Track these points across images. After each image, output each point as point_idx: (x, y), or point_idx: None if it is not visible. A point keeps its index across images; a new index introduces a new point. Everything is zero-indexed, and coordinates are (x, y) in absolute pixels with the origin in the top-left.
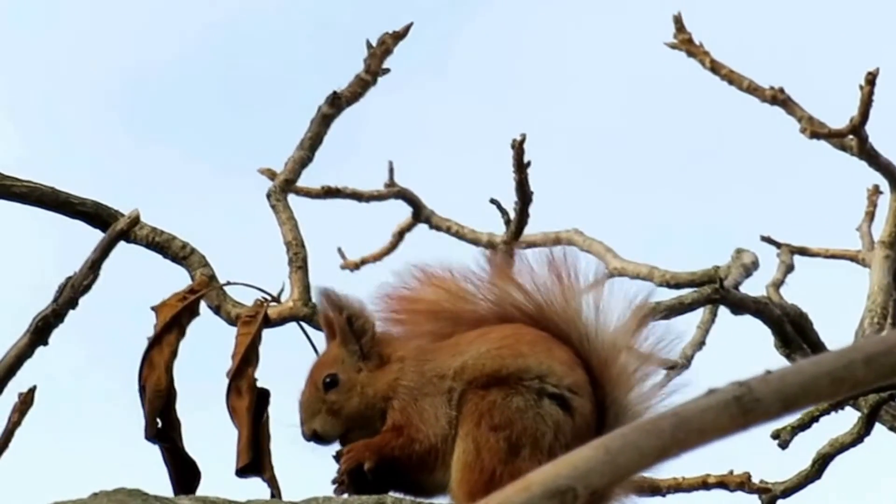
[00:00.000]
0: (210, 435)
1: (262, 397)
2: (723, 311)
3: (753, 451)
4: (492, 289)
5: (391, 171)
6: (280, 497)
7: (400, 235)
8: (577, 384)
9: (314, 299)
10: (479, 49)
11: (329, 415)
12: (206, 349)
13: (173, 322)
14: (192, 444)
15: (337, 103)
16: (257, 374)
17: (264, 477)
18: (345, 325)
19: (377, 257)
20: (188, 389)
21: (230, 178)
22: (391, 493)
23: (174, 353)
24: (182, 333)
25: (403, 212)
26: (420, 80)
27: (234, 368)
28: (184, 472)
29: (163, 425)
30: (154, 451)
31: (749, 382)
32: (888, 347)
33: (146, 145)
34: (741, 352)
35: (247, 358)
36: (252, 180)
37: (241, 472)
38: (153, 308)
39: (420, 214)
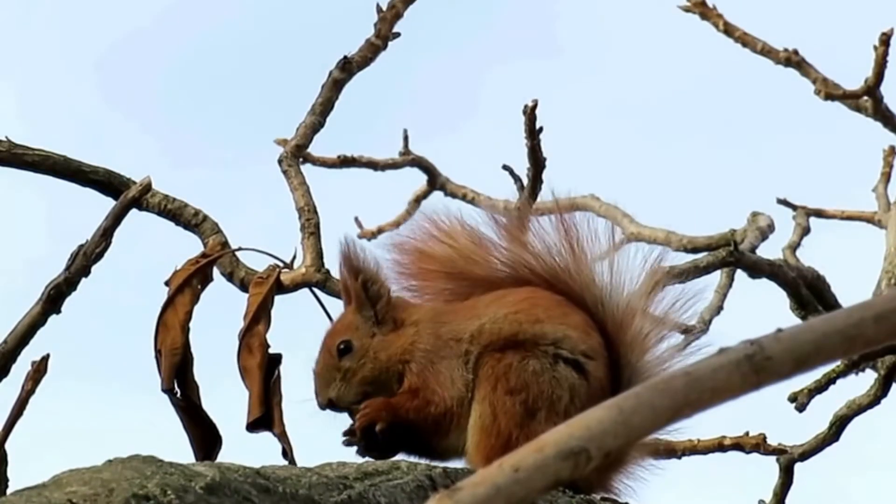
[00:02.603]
0: (226, 407)
1: (273, 360)
2: (740, 275)
3: (770, 415)
4: (505, 253)
5: (406, 139)
6: (291, 452)
7: (416, 203)
8: (592, 349)
9: (331, 261)
10: (482, 16)
11: (343, 381)
12: (220, 316)
13: (185, 284)
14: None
15: (348, 68)
16: (269, 338)
17: (275, 432)
18: (360, 291)
19: (394, 226)
20: (204, 357)
21: (243, 145)
22: (404, 458)
23: (189, 315)
24: (196, 296)
25: (419, 180)
26: (433, 46)
27: (244, 327)
28: (204, 437)
29: (181, 386)
30: (169, 418)
31: (760, 341)
32: None
33: (157, 115)
34: (758, 316)
35: (257, 316)
36: (265, 147)
37: (252, 426)
38: (166, 283)
39: (435, 182)
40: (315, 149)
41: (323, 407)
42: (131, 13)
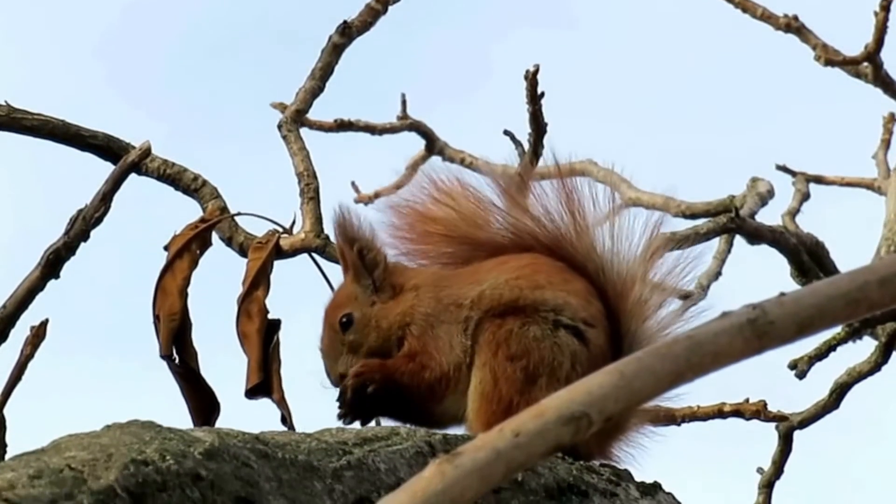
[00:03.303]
0: (224, 373)
1: (272, 326)
2: (739, 241)
3: (770, 383)
4: (507, 217)
5: (403, 103)
6: (290, 419)
7: (413, 168)
8: (593, 316)
9: (329, 227)
10: None
11: (350, 354)
12: (219, 282)
13: (184, 248)
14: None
15: (347, 32)
16: (268, 303)
17: (274, 398)
18: (356, 260)
19: (391, 190)
20: (203, 323)
21: (242, 110)
22: (403, 425)
23: (187, 280)
24: (194, 261)
25: (416, 144)
26: (443, 14)
27: (243, 292)
28: (202, 403)
29: (179, 352)
30: (167, 384)
31: (763, 305)
32: None
33: (158, 79)
34: (758, 282)
35: (256, 281)
36: (264, 112)
37: (251, 392)
38: (165, 247)
39: (433, 146)
40: (316, 114)
41: (336, 384)
42: None
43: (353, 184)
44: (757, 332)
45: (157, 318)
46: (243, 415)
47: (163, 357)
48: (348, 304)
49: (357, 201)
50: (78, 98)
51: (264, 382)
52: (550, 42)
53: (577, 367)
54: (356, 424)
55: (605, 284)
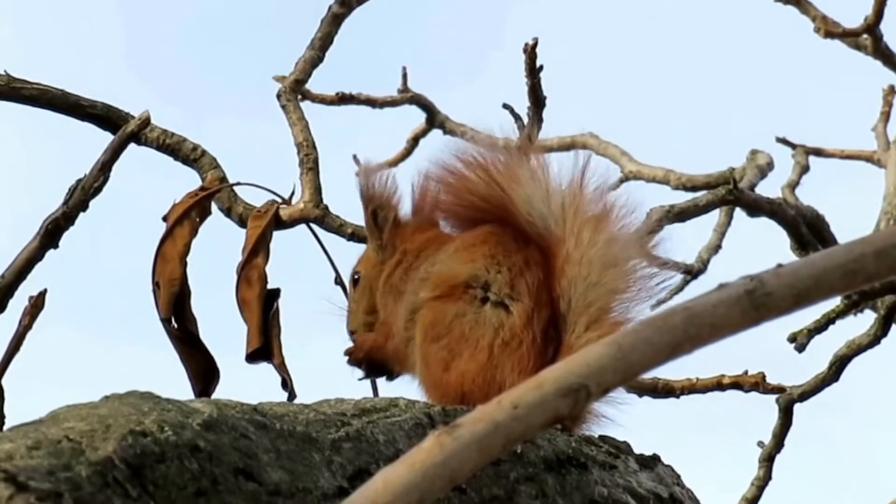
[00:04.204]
0: (222, 343)
1: (271, 295)
2: (739, 215)
3: (769, 356)
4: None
5: (404, 76)
6: (291, 383)
7: (414, 141)
8: (519, 291)
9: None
10: None
11: (356, 312)
12: (218, 253)
13: (184, 216)
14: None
15: (347, 2)
16: (268, 271)
17: (274, 363)
18: (370, 221)
19: (392, 164)
20: (201, 294)
21: (242, 81)
22: (402, 396)
23: (187, 247)
24: (194, 229)
25: (417, 117)
26: None
27: (243, 260)
28: (202, 369)
29: (179, 319)
30: (166, 354)
31: (760, 276)
32: None
33: (158, 50)
34: (758, 256)
35: (256, 249)
36: (263, 83)
37: (251, 357)
38: (164, 218)
39: (434, 120)
40: (317, 86)
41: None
42: None
43: (354, 157)
44: (754, 303)
45: (156, 284)
46: (242, 385)
47: (163, 321)
48: (361, 263)
49: (357, 175)
50: (79, 67)
51: (264, 347)
52: (554, 16)
53: (502, 333)
54: (355, 395)
55: (537, 241)
